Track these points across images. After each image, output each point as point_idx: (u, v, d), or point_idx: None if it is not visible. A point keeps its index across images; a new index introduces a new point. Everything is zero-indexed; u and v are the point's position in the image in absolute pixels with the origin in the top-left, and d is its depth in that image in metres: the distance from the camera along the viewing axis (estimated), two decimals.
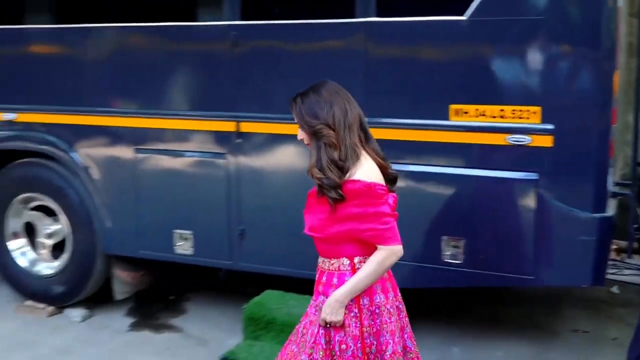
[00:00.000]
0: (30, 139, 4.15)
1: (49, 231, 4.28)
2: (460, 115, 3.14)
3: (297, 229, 3.44)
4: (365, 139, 2.17)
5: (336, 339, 2.10)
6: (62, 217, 4.18)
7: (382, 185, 2.09)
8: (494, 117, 3.08)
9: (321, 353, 2.10)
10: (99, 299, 4.29)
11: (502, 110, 3.06)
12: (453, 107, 3.14)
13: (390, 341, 2.11)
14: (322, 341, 2.11)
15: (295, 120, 2.17)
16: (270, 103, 3.53)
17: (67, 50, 4.07)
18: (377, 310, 2.11)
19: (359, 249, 2.11)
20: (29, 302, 4.30)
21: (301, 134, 2.17)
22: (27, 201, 4.31)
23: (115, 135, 3.91)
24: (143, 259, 4.04)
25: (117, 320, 4.18)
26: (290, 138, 3.44)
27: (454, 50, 3.16)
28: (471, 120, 3.12)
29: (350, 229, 2.07)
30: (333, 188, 2.02)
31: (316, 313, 2.15)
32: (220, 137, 3.65)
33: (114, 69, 3.91)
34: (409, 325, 2.23)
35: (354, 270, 2.10)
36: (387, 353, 2.10)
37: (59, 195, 4.16)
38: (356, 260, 2.11)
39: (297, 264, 3.55)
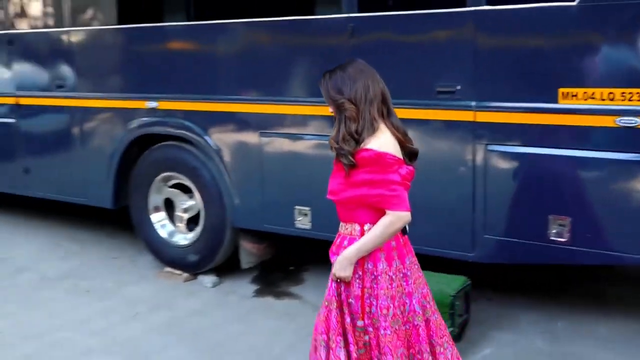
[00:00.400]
0: (170, 124, 4.40)
1: (185, 206, 4.56)
2: (569, 98, 3.11)
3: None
4: (387, 113, 2.30)
5: (344, 293, 2.27)
6: (196, 194, 4.44)
7: (393, 156, 2.19)
8: (603, 99, 3.04)
9: (335, 304, 2.28)
10: (228, 268, 4.53)
11: (611, 93, 3.02)
12: (562, 90, 3.12)
13: (390, 305, 2.23)
14: (335, 294, 2.29)
15: (323, 96, 2.32)
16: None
17: (202, 45, 4.29)
18: (379, 276, 2.23)
19: (369, 216, 2.23)
20: (168, 269, 4.63)
21: (330, 110, 2.33)
22: (166, 179, 4.60)
23: (243, 121, 4.11)
24: (267, 232, 4.22)
25: (243, 287, 4.42)
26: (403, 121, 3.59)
27: (563, 35, 3.13)
28: (580, 103, 3.09)
29: (361, 194, 2.21)
30: (345, 156, 2.19)
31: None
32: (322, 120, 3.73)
33: (242, 61, 4.10)
34: (420, 291, 2.32)
35: (362, 234, 2.23)
36: (389, 316, 2.22)
37: (194, 175, 4.41)
38: (366, 227, 2.24)
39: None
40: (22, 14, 5.22)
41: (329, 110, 2.35)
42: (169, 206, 4.70)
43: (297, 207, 3.97)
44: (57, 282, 4.60)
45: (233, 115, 4.16)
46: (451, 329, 3.30)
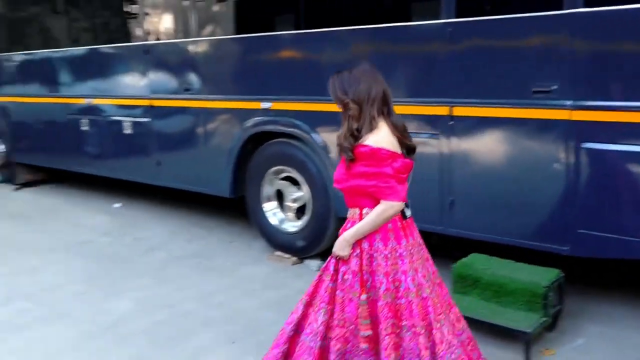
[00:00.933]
0: (281, 122, 4.63)
1: (294, 197, 4.80)
2: None
3: (501, 200, 3.63)
4: (388, 112, 2.43)
5: (341, 270, 2.45)
6: (304, 186, 4.67)
7: (388, 150, 2.35)
8: None
9: (328, 277, 2.49)
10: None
11: None
12: None
13: (384, 280, 2.37)
14: (332, 268, 2.48)
15: (330, 96, 2.47)
16: (479, 89, 3.65)
17: (309, 52, 4.49)
18: (374, 254, 2.40)
19: (368, 202, 2.42)
20: (278, 253, 4.88)
21: (338, 105, 2.48)
22: (278, 173, 4.86)
23: None
24: None
25: None
26: (497, 120, 3.61)
27: None
28: None
29: (359, 184, 2.40)
30: (346, 151, 2.38)
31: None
32: (435, 120, 3.84)
33: (345, 66, 4.27)
34: (421, 270, 2.43)
35: (361, 218, 2.43)
36: (381, 289, 2.37)
37: (302, 168, 4.64)
38: (364, 211, 2.43)
39: (501, 231, 3.68)
40: (156, 27, 5.69)
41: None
42: (279, 197, 4.95)
43: None
44: (184, 261, 4.99)
45: (336, 115, 4.29)
46: (544, 318, 3.33)
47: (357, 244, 2.43)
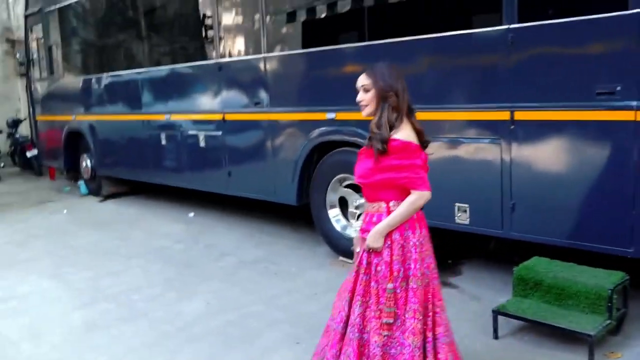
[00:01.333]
0: (345, 132, 4.69)
1: (356, 204, 4.83)
2: None
3: (562, 203, 3.54)
4: (409, 111, 2.51)
5: (374, 262, 2.48)
6: None
7: (417, 145, 2.45)
8: None
9: (363, 270, 2.51)
10: None
11: None
12: None
13: (412, 266, 2.46)
14: (365, 262, 2.51)
15: (366, 85, 2.50)
16: (540, 94, 3.59)
17: (370, 63, 4.57)
18: (404, 244, 2.46)
19: (393, 195, 2.48)
20: (342, 258, 4.92)
21: (363, 96, 2.52)
22: (341, 181, 4.92)
23: None
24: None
25: None
26: (558, 124, 3.53)
27: None
28: None
29: (389, 177, 2.45)
30: (381, 142, 2.41)
31: (361, 245, 2.56)
32: (496, 125, 3.79)
33: (408, 73, 4.27)
34: (426, 259, 2.51)
35: (389, 211, 2.48)
36: (410, 275, 2.45)
37: None
38: (391, 204, 2.48)
39: (562, 234, 3.59)
40: (228, 45, 5.90)
41: (358, 99, 2.55)
42: (343, 204, 5.00)
43: (457, 204, 4.05)
44: (252, 265, 5.11)
45: None
46: (608, 321, 3.20)
47: (388, 236, 2.48)
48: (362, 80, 2.55)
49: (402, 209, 2.45)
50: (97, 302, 4.46)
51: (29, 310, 4.40)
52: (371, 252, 2.51)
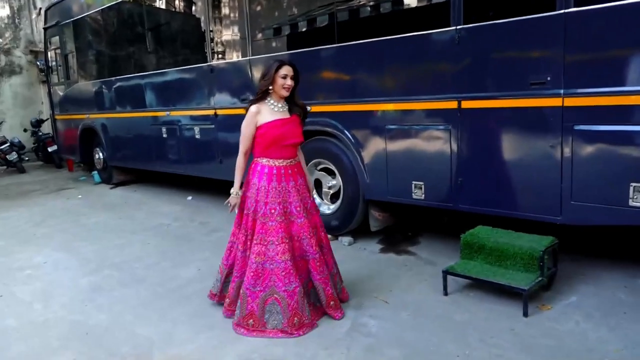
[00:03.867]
0: (319, 123, 4.61)
1: (329, 185, 4.78)
2: None
3: (502, 179, 3.52)
4: None
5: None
6: (338, 175, 4.66)
7: None
8: None
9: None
10: (360, 231, 4.69)
11: None
12: None
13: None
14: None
15: (293, 74, 2.96)
16: (483, 85, 3.56)
17: (343, 61, 4.46)
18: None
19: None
20: None
21: (292, 82, 2.97)
22: (317, 165, 4.85)
23: (373, 117, 4.21)
24: (390, 202, 4.32)
25: (372, 246, 4.55)
26: (498, 110, 3.50)
27: None
28: None
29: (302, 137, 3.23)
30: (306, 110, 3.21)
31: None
32: (446, 113, 3.76)
33: (373, 70, 4.21)
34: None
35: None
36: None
37: (336, 160, 4.62)
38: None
39: (502, 206, 3.58)
40: (218, 50, 5.83)
41: (288, 84, 2.97)
42: (317, 185, 4.93)
43: (413, 182, 4.02)
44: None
45: (365, 113, 4.29)
46: (540, 278, 3.19)
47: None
48: (292, 71, 2.99)
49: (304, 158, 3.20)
50: (103, 270, 4.37)
51: (42, 277, 4.30)
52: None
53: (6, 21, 12.46)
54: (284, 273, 2.92)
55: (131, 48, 7.32)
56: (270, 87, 2.99)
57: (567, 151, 3.22)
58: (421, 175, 3.97)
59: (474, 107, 3.62)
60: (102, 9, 7.60)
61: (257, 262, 2.95)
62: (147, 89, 6.94)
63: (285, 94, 2.99)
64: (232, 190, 3.14)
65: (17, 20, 12.62)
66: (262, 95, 3.02)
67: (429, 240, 4.58)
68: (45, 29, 9.32)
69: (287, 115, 3.04)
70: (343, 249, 4.50)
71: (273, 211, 2.96)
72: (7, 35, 12.47)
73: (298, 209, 3.02)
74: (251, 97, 3.16)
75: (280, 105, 3.04)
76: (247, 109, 3.04)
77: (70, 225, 5.97)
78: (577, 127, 3.16)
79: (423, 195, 3.98)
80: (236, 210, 3.16)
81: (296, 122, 3.06)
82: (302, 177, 3.12)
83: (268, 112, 2.99)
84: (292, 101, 3.07)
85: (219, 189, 6.97)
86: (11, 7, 12.53)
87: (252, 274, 2.97)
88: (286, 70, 2.97)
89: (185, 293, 3.76)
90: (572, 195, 3.23)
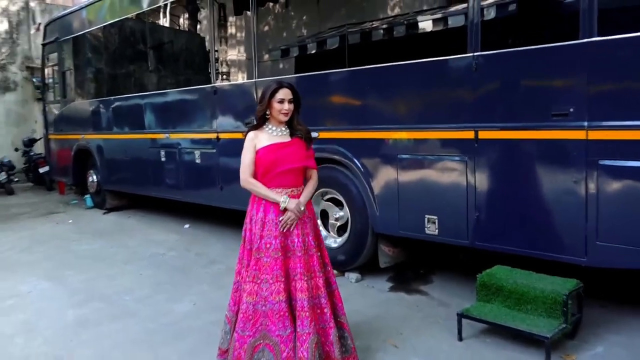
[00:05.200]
0: (328, 150, 4.62)
1: (336, 216, 4.76)
2: None
3: (522, 215, 3.50)
4: None
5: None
6: (345, 206, 4.64)
7: None
8: None
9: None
10: (369, 267, 4.65)
11: None
12: None
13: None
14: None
15: (292, 97, 2.89)
16: (502, 115, 3.57)
17: (352, 86, 4.51)
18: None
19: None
20: None
21: (290, 106, 2.89)
22: (323, 194, 4.85)
23: (385, 145, 4.22)
24: (401, 237, 4.29)
25: (380, 283, 4.51)
26: (518, 142, 3.50)
27: None
28: None
29: (313, 162, 3.09)
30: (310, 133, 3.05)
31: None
32: (462, 143, 3.76)
33: (385, 96, 4.26)
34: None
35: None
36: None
37: (344, 190, 4.61)
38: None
39: (522, 244, 3.54)
40: (223, 71, 5.91)
41: (286, 108, 2.88)
42: (324, 216, 4.92)
43: (427, 216, 4.00)
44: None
45: (376, 141, 4.31)
46: (564, 325, 3.13)
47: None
48: (289, 94, 2.91)
49: (313, 185, 3.03)
50: (91, 301, 4.34)
51: (26, 307, 4.27)
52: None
53: (4, 36, 12.73)
54: (277, 316, 2.78)
55: (132, 66, 7.45)
56: (268, 113, 2.93)
57: (592, 187, 3.20)
58: (435, 208, 3.95)
59: (492, 137, 3.63)
60: (103, 26, 7.76)
61: (248, 302, 2.83)
62: (146, 110, 7.02)
63: (284, 119, 2.92)
64: (280, 199, 2.85)
65: (14, 35, 12.88)
66: (259, 122, 2.96)
67: (443, 280, 4.54)
68: (43, 44, 9.52)
69: (286, 139, 2.94)
70: (350, 286, 4.46)
71: (268, 246, 2.83)
72: (3, 50, 12.72)
73: (298, 244, 2.88)
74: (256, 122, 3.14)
75: (279, 130, 2.95)
76: (244, 136, 2.99)
77: (58, 252, 5.97)
78: (602, 162, 3.15)
79: (437, 231, 3.95)
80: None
81: (297, 146, 2.94)
82: (307, 209, 2.97)
83: (265, 138, 2.93)
84: (292, 125, 2.98)
85: (218, 217, 6.99)
86: (10, 22, 12.82)
87: (242, 315, 2.84)
88: (283, 94, 2.88)
89: (179, 329, 3.72)
90: (597, 235, 3.19)
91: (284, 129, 2.97)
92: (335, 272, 4.58)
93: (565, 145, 3.29)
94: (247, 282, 2.87)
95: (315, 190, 4.70)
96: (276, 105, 2.89)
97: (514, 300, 3.34)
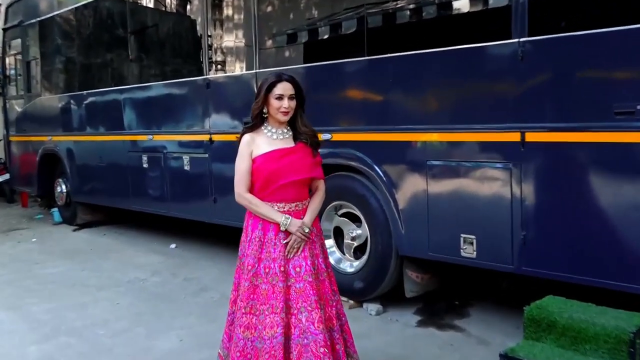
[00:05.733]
0: (342, 155, 4.65)
1: (353, 235, 4.77)
2: None
3: (579, 235, 3.48)
4: None
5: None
6: (364, 222, 4.64)
7: None
8: None
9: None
10: (392, 297, 4.64)
11: None
12: None
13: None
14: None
15: (293, 93, 2.87)
16: (553, 114, 3.56)
17: (372, 79, 4.54)
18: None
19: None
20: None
21: (291, 104, 2.88)
22: (337, 208, 4.87)
23: (412, 149, 4.23)
24: (432, 260, 4.28)
25: (406, 316, 4.50)
26: (573, 146, 3.49)
27: None
28: None
29: (320, 172, 3.10)
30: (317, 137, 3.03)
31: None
32: (505, 147, 3.76)
33: (412, 91, 4.27)
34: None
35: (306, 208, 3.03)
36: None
37: (362, 204, 4.62)
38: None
39: (578, 270, 3.52)
40: (218, 60, 5.97)
41: (286, 105, 2.85)
42: (338, 234, 4.94)
43: (462, 235, 4.00)
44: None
45: (400, 144, 4.32)
46: None
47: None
48: (290, 89, 2.89)
49: (320, 199, 3.05)
50: (58, 336, 4.37)
51: None
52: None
53: None
54: (268, 356, 2.76)
55: (109, 55, 7.55)
56: (265, 111, 2.93)
57: None
58: (473, 226, 3.95)
59: (542, 140, 3.62)
60: (75, 7, 7.88)
61: (245, 338, 2.84)
62: (126, 107, 7.10)
63: (284, 118, 2.92)
64: (281, 220, 2.86)
65: None
66: (256, 122, 2.96)
67: (482, 313, 4.52)
68: (4, 29, 9.68)
69: (290, 144, 2.95)
70: (369, 320, 4.44)
71: (267, 270, 2.85)
72: None
73: (307, 268, 2.88)
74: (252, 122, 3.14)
75: (280, 132, 2.96)
76: (239, 139, 2.99)
77: (20, 276, 6.02)
78: None
79: (475, 253, 3.95)
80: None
81: (303, 152, 2.95)
82: (314, 226, 2.98)
83: (264, 142, 2.92)
84: (295, 126, 2.99)
85: (211, 235, 7.02)
86: None
87: (238, 353, 2.85)
88: (282, 88, 2.87)
89: None
90: None
91: (285, 130, 2.98)
92: (351, 302, 4.69)
93: (632, 150, 3.27)
94: (243, 313, 2.87)
95: (328, 203, 4.79)
96: (274, 103, 2.88)
97: (570, 339, 3.31)
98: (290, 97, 2.88)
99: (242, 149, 2.93)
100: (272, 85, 2.88)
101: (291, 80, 2.92)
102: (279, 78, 2.90)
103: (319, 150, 3.06)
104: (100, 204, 8.11)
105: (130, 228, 8.23)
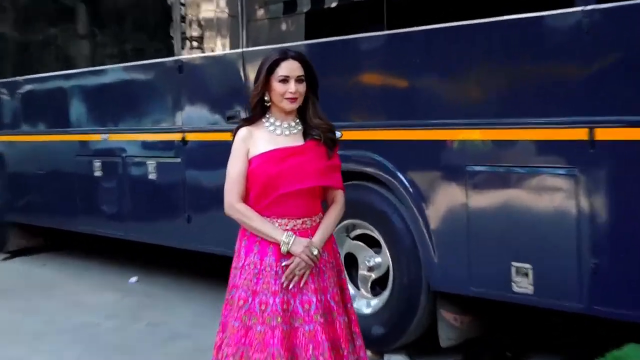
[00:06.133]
0: (355, 159, 4.65)
1: (370, 264, 4.79)
2: None
3: None
4: None
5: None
6: (385, 247, 4.66)
7: None
8: None
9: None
10: (422, 346, 4.64)
11: None
12: None
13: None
14: None
15: (302, 74, 2.90)
16: (629, 105, 3.59)
17: (396, 57, 4.57)
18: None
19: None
20: None
21: (299, 88, 2.89)
22: (348, 229, 4.90)
23: (446, 151, 4.28)
24: (474, 297, 4.27)
25: None
26: None
27: None
28: None
29: (339, 178, 3.13)
30: (334, 133, 3.08)
31: None
32: (569, 147, 3.79)
33: (445, 75, 4.32)
34: None
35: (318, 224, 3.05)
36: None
37: (382, 222, 4.65)
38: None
39: None
40: (193, 36, 6.02)
41: (293, 90, 2.87)
42: (350, 263, 4.92)
43: (514, 263, 4.01)
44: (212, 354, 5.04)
45: (431, 145, 4.36)
46: None
47: None
48: (298, 69, 2.92)
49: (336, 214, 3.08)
50: None
51: None
52: None
53: None
54: None
55: (52, 30, 7.60)
56: (267, 99, 2.97)
57: None
58: (528, 253, 3.96)
59: (616, 139, 3.65)
60: None
61: None
62: (73, 97, 7.19)
63: (290, 107, 2.93)
64: (282, 238, 2.87)
65: None
66: (255, 113, 3.01)
67: None
68: None
69: (298, 142, 2.98)
70: None
71: (264, 307, 2.86)
72: None
73: (315, 305, 2.90)
74: (243, 116, 3.18)
75: (285, 126, 2.99)
76: (234, 135, 3.02)
77: None
78: None
79: (531, 288, 3.95)
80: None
81: (314, 153, 2.96)
82: (326, 250, 3.01)
83: (264, 138, 2.95)
84: (305, 118, 3.02)
85: (183, 266, 7.04)
86: None
87: None
88: (287, 68, 2.89)
89: None
90: None
91: (293, 124, 3.00)
92: (369, 353, 4.69)
93: None
94: None
95: (337, 223, 4.83)
96: (277, 87, 2.90)
97: None
98: (299, 80, 2.89)
99: (237, 146, 2.95)
100: (274, 65, 2.90)
101: (299, 58, 2.94)
102: (284, 55, 2.92)
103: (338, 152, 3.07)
104: (38, 225, 8.16)
105: (78, 256, 8.28)
